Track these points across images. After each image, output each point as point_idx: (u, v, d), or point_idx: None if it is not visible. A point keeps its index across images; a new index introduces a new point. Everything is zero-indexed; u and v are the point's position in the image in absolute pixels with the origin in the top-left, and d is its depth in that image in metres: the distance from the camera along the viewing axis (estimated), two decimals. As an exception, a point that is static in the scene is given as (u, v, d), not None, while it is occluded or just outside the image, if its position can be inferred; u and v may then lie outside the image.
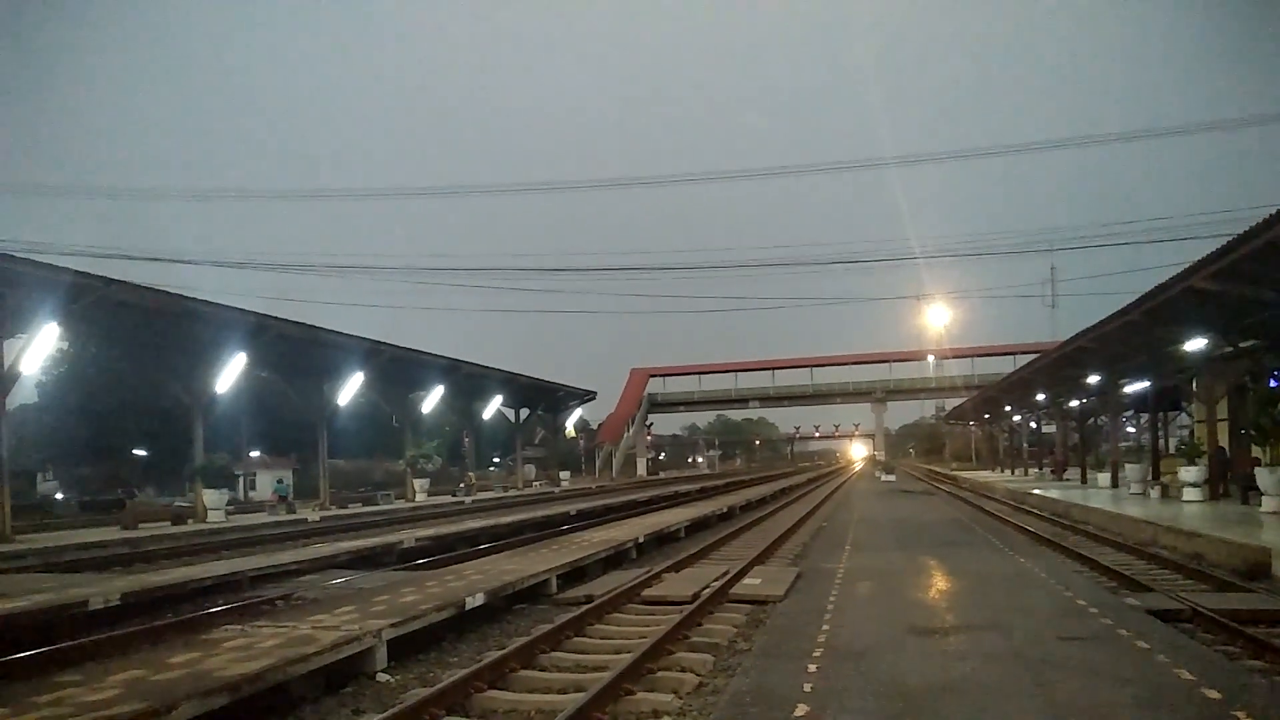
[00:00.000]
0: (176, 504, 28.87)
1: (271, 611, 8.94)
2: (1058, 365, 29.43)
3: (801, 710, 4.97)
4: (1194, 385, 24.29)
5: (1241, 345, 18.80)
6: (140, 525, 20.29)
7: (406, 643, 7.35)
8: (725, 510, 22.87)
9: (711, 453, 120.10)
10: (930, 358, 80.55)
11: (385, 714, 5.31)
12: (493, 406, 40.95)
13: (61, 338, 20.76)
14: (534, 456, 60.12)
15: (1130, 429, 41.50)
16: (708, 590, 9.60)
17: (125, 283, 17.97)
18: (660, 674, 6.43)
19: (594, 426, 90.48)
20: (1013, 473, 48.04)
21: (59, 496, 42.79)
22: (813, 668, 5.94)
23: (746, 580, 10.43)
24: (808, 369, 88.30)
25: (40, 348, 17.45)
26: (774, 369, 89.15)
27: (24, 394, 43.43)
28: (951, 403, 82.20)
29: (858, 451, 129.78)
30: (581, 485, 48.51)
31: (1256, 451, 18.08)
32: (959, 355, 78.61)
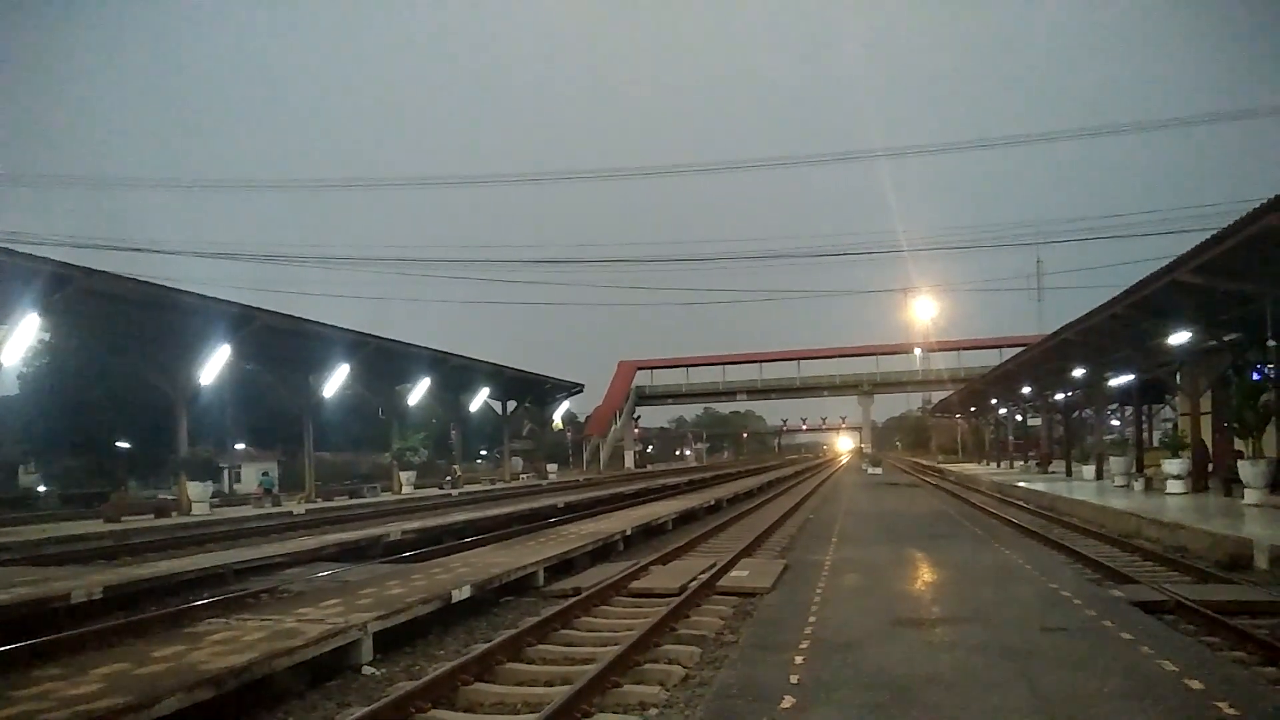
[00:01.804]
0: (161, 497, 28.73)
1: (256, 605, 8.88)
2: (1043, 358, 29.59)
3: (788, 702, 4.98)
4: (1178, 378, 24.46)
5: (1225, 338, 18.94)
6: (124, 518, 20.17)
7: (393, 636, 7.32)
8: (713, 503, 22.90)
9: (699, 445, 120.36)
10: (917, 351, 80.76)
11: (371, 707, 5.28)
12: (480, 399, 40.83)
13: (42, 329, 20.54)
14: (521, 449, 60.07)
15: (1115, 422, 41.81)
16: (695, 583, 9.61)
17: (107, 273, 17.79)
18: (647, 666, 6.43)
19: (581, 419, 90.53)
20: (998, 465, 48.31)
21: (41, 489, 42.44)
22: (799, 659, 5.95)
23: (734, 572, 10.45)
24: (795, 362, 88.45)
25: (20, 339, 17.24)
26: (761, 362, 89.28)
27: (5, 386, 43.07)
28: (938, 396, 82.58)
29: (844, 444, 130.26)
30: (569, 478, 48.49)
31: (1239, 444, 18.23)
32: (945, 348, 78.83)
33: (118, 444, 45.60)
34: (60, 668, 5.84)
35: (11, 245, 17.20)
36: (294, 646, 6.08)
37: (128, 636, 7.49)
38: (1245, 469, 16.12)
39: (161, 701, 4.89)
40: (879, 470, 51.71)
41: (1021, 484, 26.67)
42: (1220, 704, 4.75)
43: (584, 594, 9.16)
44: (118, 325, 21.63)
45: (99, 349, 29.78)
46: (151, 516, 21.33)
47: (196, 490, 22.35)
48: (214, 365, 22.42)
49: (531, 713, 5.41)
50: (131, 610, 9.28)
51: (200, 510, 21.82)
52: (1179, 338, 19.16)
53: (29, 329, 17.23)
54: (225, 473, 43.23)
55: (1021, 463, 45.94)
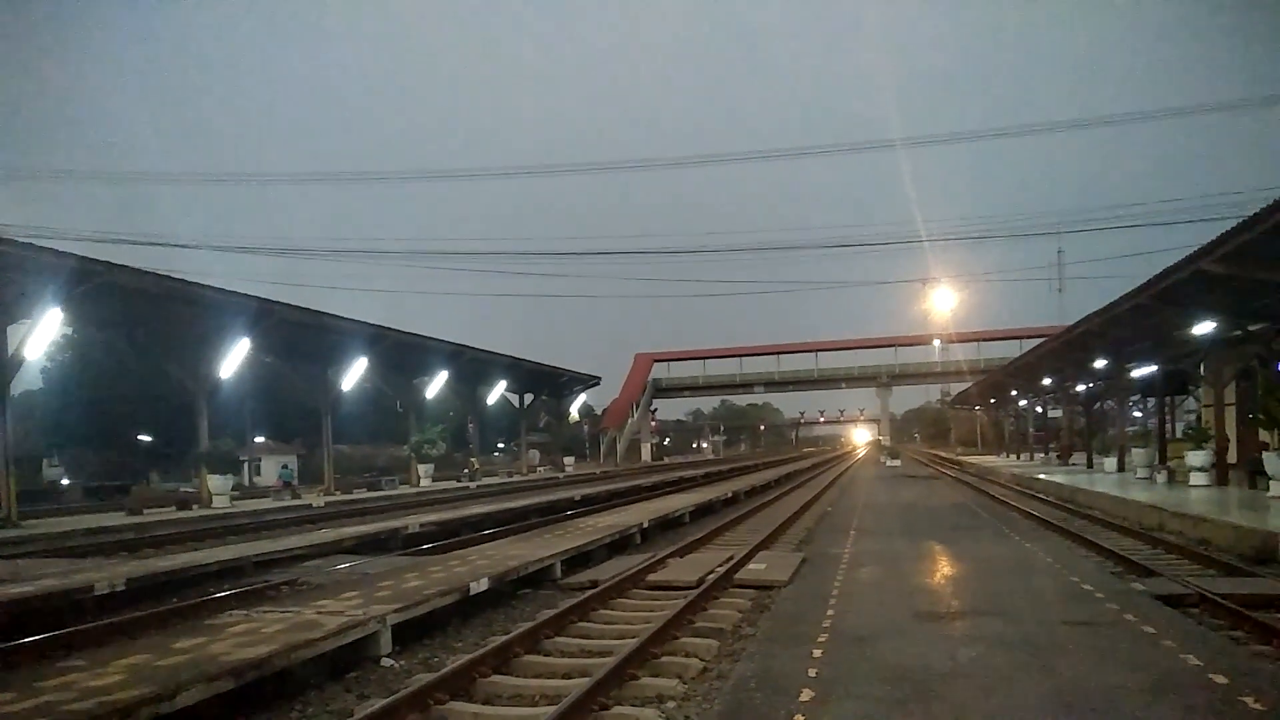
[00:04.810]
0: (182, 489, 29.02)
1: (276, 597, 8.95)
2: (1064, 349, 29.30)
3: (807, 695, 4.95)
4: (1202, 369, 24.16)
5: (1250, 329, 18.68)
6: (145, 511, 20.36)
7: (411, 628, 7.35)
8: (730, 495, 22.86)
9: (716, 438, 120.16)
10: (936, 342, 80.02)
11: (390, 699, 5.30)
12: (497, 392, 40.95)
13: (65, 323, 20.74)
14: (538, 442, 60.12)
15: (1137, 413, 41.35)
16: (712, 575, 9.59)
17: (128, 267, 17.92)
18: (665, 659, 6.41)
19: (598, 412, 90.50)
20: (1018, 457, 47.97)
21: (64, 482, 42.94)
22: (818, 653, 5.92)
23: (751, 565, 10.43)
24: (812, 353, 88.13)
25: (44, 333, 17.44)
26: (779, 354, 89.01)
27: (29, 379, 43.56)
28: (957, 387, 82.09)
29: (862, 436, 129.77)
30: (586, 470, 48.53)
31: (1264, 436, 17.98)
32: (965, 339, 78.09)
33: (139, 437, 46.13)
34: (83, 658, 5.90)
35: (35, 240, 17.36)
36: (313, 639, 6.11)
37: (150, 628, 7.57)
38: (1271, 461, 15.88)
39: (182, 693, 4.92)
40: (897, 463, 51.48)
41: (1042, 476, 26.46)
42: (1246, 699, 4.68)
43: (601, 586, 9.16)
44: (139, 319, 21.83)
45: (121, 343, 30.04)
46: (173, 509, 21.54)
47: (217, 483, 22.53)
48: (234, 359, 22.59)
49: (549, 705, 5.41)
50: (153, 602, 9.37)
51: (221, 503, 21.99)
52: (1203, 328, 18.91)
53: (52, 323, 17.43)
54: (245, 466, 43.47)
55: (1042, 455, 45.60)
